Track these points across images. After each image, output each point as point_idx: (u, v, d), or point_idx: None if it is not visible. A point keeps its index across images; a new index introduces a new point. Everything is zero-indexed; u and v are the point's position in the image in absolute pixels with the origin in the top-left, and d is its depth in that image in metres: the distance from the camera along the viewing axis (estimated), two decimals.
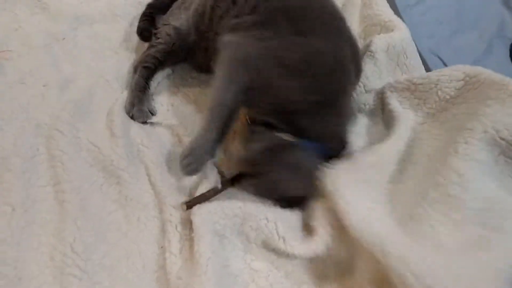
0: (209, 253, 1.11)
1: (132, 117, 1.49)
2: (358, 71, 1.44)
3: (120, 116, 1.44)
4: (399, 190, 1.23)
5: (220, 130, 1.27)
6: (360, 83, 1.53)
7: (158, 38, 1.61)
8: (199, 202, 1.22)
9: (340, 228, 1.14)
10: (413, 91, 1.42)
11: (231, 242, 1.18)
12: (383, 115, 1.47)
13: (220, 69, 1.31)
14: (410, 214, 1.15)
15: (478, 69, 1.32)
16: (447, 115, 1.33)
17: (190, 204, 1.22)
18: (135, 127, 1.44)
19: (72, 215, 1.20)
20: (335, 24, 1.40)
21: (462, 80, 1.33)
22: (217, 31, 1.46)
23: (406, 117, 1.37)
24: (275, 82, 1.24)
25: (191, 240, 1.17)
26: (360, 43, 1.72)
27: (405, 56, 1.59)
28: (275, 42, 1.28)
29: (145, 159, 1.35)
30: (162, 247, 1.19)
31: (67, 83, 1.55)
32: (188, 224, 1.21)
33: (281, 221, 1.18)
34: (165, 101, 1.59)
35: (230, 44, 1.34)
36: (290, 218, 1.23)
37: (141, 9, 1.80)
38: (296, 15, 1.33)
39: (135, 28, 1.74)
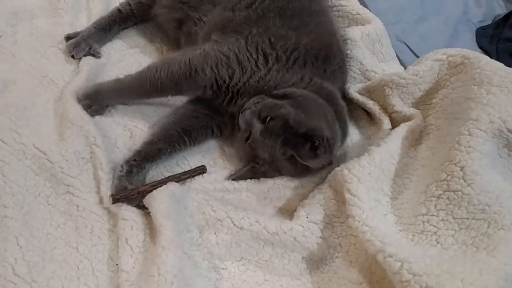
0: (175, 270, 1.00)
1: (68, 45, 1.50)
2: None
3: (70, 116, 1.29)
4: (404, 187, 1.20)
5: None
6: (357, 71, 1.53)
7: None
8: (129, 196, 1.14)
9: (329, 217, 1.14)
10: (419, 85, 1.36)
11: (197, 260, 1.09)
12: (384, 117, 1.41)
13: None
14: (415, 214, 1.10)
15: (477, 53, 1.30)
16: (447, 102, 1.28)
17: (118, 197, 1.13)
18: (88, 125, 1.29)
19: (14, 232, 1.07)
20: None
21: (461, 64, 1.29)
22: (203, 17, 1.46)
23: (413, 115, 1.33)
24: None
25: (146, 253, 1.07)
26: None
27: (380, 44, 1.58)
28: (263, 37, 1.32)
29: (96, 163, 1.22)
30: (117, 264, 1.07)
31: (6, 85, 1.40)
32: (141, 236, 1.10)
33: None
34: None
35: (215, 44, 1.35)
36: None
37: (85, 1, 1.69)
38: (290, 13, 1.36)
39: (79, 23, 1.63)
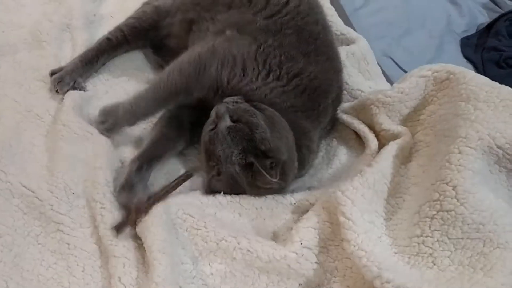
0: None
1: (52, 80, 1.47)
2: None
3: (63, 147, 1.28)
4: (398, 206, 1.19)
5: None
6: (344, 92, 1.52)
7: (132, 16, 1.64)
8: (129, 223, 1.14)
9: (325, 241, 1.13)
10: (405, 102, 1.35)
11: None
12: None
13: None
14: (409, 236, 1.09)
15: (462, 68, 1.30)
16: (435, 118, 1.28)
17: (122, 227, 1.13)
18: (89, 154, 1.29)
19: (4, 276, 1.05)
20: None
21: (447, 79, 1.29)
22: (216, 16, 1.45)
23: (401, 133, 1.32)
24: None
25: None
26: None
27: (365, 62, 1.59)
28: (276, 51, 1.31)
29: (89, 197, 1.20)
30: None
31: None
32: (134, 273, 1.08)
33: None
34: None
35: (226, 41, 1.35)
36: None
37: (69, 32, 1.68)
38: (306, 36, 1.36)
39: (64, 53, 1.61)
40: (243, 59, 1.29)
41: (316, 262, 1.11)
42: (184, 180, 1.25)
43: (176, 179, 1.25)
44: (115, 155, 1.34)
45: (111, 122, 1.34)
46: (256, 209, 1.24)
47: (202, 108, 1.34)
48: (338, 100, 1.45)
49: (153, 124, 1.40)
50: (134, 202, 1.16)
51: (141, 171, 1.25)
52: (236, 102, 1.23)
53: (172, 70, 1.34)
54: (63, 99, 1.44)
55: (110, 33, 1.61)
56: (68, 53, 1.63)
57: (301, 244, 1.11)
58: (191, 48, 1.40)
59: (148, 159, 1.28)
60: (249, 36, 1.34)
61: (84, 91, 1.50)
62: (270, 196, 1.26)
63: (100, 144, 1.33)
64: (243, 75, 1.28)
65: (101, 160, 1.27)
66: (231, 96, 1.27)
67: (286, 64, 1.29)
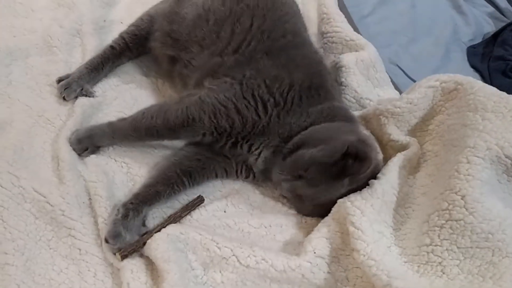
0: None
1: (59, 87, 1.48)
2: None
3: (68, 157, 1.29)
4: (407, 217, 1.19)
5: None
6: (352, 99, 1.55)
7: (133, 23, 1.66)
8: (136, 249, 1.14)
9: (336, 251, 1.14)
10: (414, 112, 1.35)
11: None
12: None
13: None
14: (418, 245, 1.10)
15: (470, 78, 1.29)
16: (443, 128, 1.29)
17: (126, 253, 1.12)
18: (89, 166, 1.31)
19: (16, 280, 1.07)
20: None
21: (455, 90, 1.29)
22: (192, 60, 1.46)
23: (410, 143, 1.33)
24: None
25: None
26: None
27: (374, 69, 1.59)
28: (258, 80, 1.31)
29: (96, 206, 1.21)
30: None
31: (3, 126, 1.38)
32: (143, 278, 1.10)
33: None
34: None
35: (210, 91, 1.34)
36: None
37: (79, 37, 1.69)
38: (276, 51, 1.37)
39: (74, 59, 1.62)
40: (234, 104, 1.29)
41: (328, 272, 1.12)
42: (196, 205, 1.27)
43: (188, 204, 1.27)
44: (118, 168, 1.36)
45: (86, 143, 1.35)
46: (265, 227, 1.27)
47: (212, 153, 1.37)
48: (334, 84, 1.47)
49: (154, 165, 1.38)
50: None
51: (126, 219, 1.17)
52: (282, 171, 1.24)
53: (156, 115, 1.32)
54: (73, 105, 1.45)
55: (113, 41, 1.63)
56: (78, 58, 1.63)
57: (315, 253, 1.12)
58: (178, 99, 1.39)
59: (137, 204, 1.21)
60: (226, 77, 1.35)
61: (93, 97, 1.51)
62: (278, 213, 1.30)
63: (104, 155, 1.37)
64: (243, 119, 1.29)
65: (99, 175, 1.28)
66: (244, 139, 1.31)
67: (274, 86, 1.30)
